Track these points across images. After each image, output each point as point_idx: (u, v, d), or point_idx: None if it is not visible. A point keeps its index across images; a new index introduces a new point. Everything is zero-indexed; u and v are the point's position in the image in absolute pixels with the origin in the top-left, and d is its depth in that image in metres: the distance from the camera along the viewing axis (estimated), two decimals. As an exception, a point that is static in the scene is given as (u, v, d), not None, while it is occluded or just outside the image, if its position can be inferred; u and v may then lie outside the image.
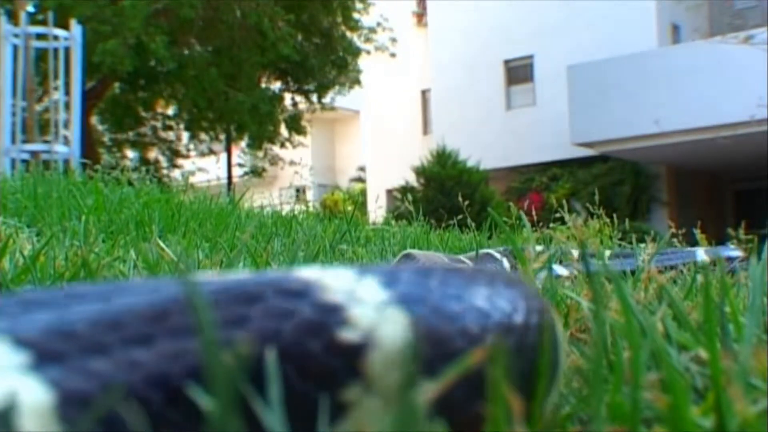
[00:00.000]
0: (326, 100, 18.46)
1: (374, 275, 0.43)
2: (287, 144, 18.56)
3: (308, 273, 0.43)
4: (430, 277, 0.45)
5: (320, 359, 0.37)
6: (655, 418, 0.49)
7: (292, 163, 18.59)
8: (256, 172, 20.09)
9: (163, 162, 19.44)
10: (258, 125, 16.37)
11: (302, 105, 18.29)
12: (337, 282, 0.42)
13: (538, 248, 1.49)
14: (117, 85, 16.57)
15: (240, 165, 20.95)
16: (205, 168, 19.86)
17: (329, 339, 0.38)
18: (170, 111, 18.59)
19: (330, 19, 16.64)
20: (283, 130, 18.14)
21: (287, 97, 18.18)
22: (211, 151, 19.91)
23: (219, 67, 15.09)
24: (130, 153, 19.69)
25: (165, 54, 13.47)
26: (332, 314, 0.40)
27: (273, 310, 0.39)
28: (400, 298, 0.42)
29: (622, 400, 0.45)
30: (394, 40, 18.09)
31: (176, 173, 18.99)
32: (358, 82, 18.24)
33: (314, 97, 17.96)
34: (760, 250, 0.74)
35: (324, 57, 16.99)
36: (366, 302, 0.41)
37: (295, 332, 0.38)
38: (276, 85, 17.98)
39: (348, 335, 0.39)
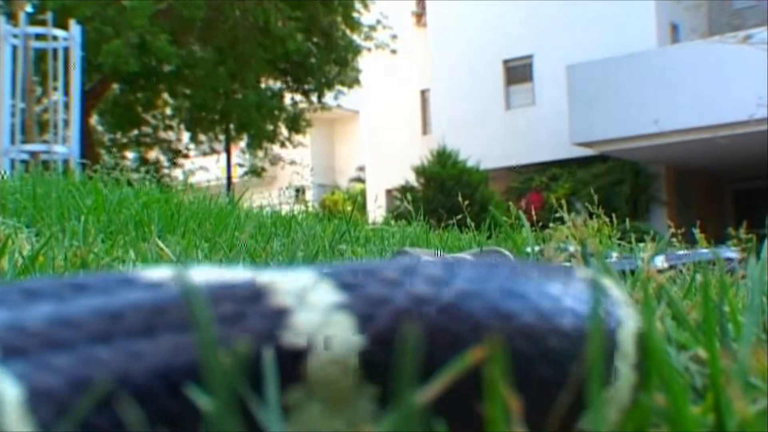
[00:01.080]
0: (327, 100, 18.44)
1: (333, 277, 0.42)
2: (287, 143, 18.54)
3: (263, 276, 0.42)
4: (407, 275, 0.42)
5: (260, 364, 0.37)
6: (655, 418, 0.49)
7: (292, 162, 18.60)
8: (255, 172, 20.08)
9: (164, 162, 19.45)
10: (264, 121, 16.38)
11: (302, 105, 18.26)
12: (290, 285, 0.41)
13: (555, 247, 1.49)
14: (117, 86, 16.55)
15: (240, 165, 20.94)
16: (206, 166, 19.83)
17: (272, 344, 0.38)
18: (169, 111, 18.57)
19: (330, 18, 16.63)
20: (284, 130, 18.12)
21: (287, 97, 18.16)
22: (213, 150, 19.88)
23: (224, 66, 15.09)
24: (130, 153, 19.67)
25: (170, 52, 13.42)
26: (277, 319, 0.39)
27: (218, 315, 0.38)
28: (354, 302, 0.40)
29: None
30: (394, 36, 18.05)
31: (177, 172, 18.99)
32: (357, 82, 18.20)
33: (314, 97, 17.94)
34: (759, 250, 0.74)
35: (324, 56, 16.99)
36: (315, 306, 0.40)
37: (239, 337, 0.38)
38: (276, 85, 17.97)
39: (290, 340, 0.38)
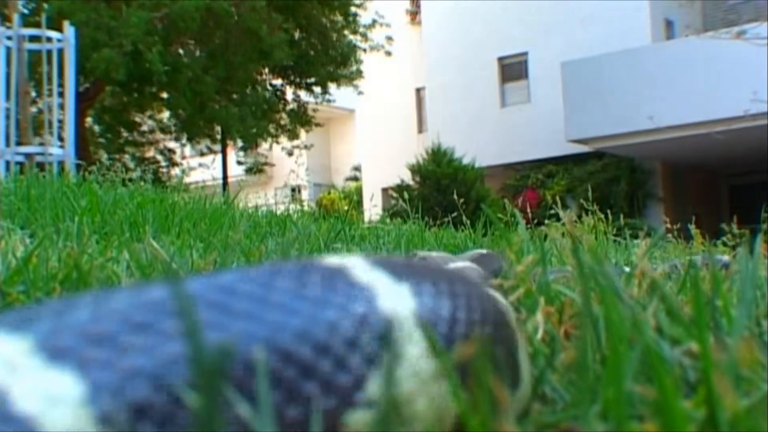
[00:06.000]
0: (332, 93, 18.42)
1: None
2: (288, 139, 18.52)
3: None
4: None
5: None
6: (647, 413, 0.49)
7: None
8: (253, 170, 20.07)
9: (162, 161, 19.45)
10: (252, 130, 16.33)
11: (304, 100, 18.26)
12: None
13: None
14: (109, 88, 16.50)
15: (239, 163, 20.90)
16: (205, 164, 19.79)
17: None
18: (165, 113, 18.55)
19: (326, 18, 16.61)
20: (283, 130, 18.09)
21: (289, 92, 18.13)
22: (211, 150, 19.83)
23: (213, 71, 15.02)
24: (127, 154, 19.65)
25: (160, 65, 13.34)
26: None
27: None
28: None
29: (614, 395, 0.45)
30: (390, 38, 18.05)
31: (176, 171, 18.96)
32: (360, 73, 18.10)
33: (317, 91, 17.91)
34: (752, 245, 0.74)
35: (323, 55, 16.99)
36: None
37: None
38: (277, 81, 17.94)
39: None
